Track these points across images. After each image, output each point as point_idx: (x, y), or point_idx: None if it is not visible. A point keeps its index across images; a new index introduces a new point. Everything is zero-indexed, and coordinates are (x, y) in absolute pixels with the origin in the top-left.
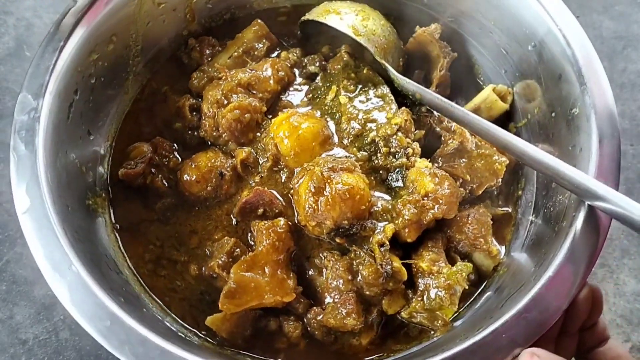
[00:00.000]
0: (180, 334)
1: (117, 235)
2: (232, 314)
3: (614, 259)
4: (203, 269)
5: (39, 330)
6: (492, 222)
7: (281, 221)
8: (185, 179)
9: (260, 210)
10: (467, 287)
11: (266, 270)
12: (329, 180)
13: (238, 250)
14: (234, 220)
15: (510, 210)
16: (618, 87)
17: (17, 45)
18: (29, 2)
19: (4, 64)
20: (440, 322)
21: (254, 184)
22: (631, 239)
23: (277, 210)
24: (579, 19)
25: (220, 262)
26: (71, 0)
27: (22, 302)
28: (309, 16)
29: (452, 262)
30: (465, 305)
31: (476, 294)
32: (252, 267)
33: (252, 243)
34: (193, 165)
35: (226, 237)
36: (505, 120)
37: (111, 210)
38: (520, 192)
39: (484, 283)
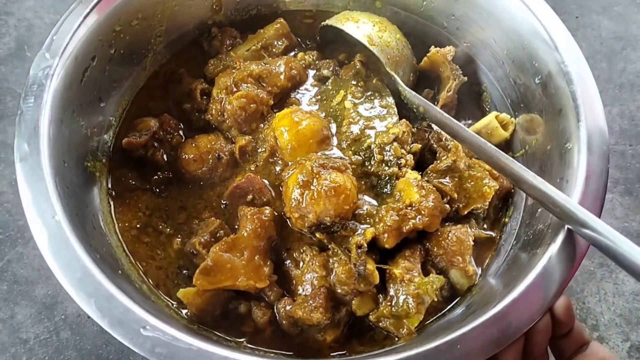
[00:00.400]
0: (151, 300)
1: (109, 199)
2: (205, 291)
3: None
4: (186, 244)
5: (40, 330)
6: (473, 244)
7: (267, 209)
8: (183, 156)
9: (250, 197)
10: (436, 300)
11: (245, 254)
12: (317, 176)
13: (222, 231)
14: (223, 203)
15: (494, 235)
16: (617, 87)
17: (18, 45)
18: (29, 3)
19: (5, 65)
20: (405, 330)
21: (248, 172)
22: (630, 239)
23: (265, 199)
24: (578, 20)
25: (202, 239)
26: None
27: (23, 302)
28: (328, 21)
29: (427, 274)
30: (434, 319)
31: (445, 309)
32: (231, 248)
33: (237, 227)
34: (193, 145)
35: (212, 218)
36: (504, 149)
37: (109, 176)
38: (506, 219)
39: (456, 300)
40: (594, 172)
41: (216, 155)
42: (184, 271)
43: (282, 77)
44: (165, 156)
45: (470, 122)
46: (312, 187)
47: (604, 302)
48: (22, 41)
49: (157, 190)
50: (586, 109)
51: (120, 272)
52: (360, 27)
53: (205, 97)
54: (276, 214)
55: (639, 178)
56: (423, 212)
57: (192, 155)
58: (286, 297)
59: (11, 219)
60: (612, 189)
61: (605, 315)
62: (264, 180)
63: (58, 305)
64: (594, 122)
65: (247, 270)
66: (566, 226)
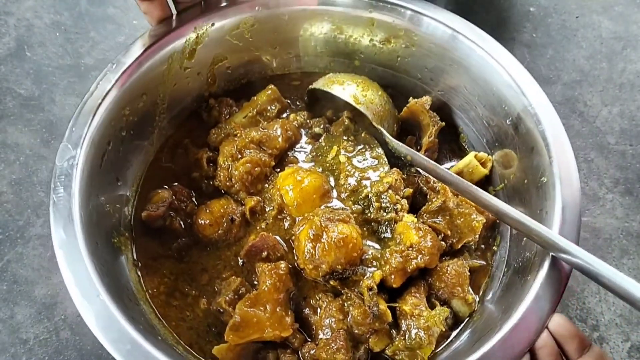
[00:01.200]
0: None
1: (137, 270)
2: (236, 345)
3: (613, 259)
4: (212, 304)
5: (40, 330)
6: (469, 274)
7: (282, 264)
8: (199, 222)
9: (265, 254)
10: (444, 329)
11: (267, 307)
12: (326, 229)
13: (243, 288)
14: (241, 261)
15: (486, 263)
16: (617, 87)
17: (18, 45)
18: (29, 3)
19: (5, 64)
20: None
21: (260, 230)
22: (630, 239)
23: (279, 254)
24: (578, 19)
25: (227, 298)
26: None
27: (22, 302)
28: (315, 85)
29: (432, 307)
30: (443, 346)
31: (452, 336)
32: (255, 304)
33: (256, 282)
34: (207, 211)
35: (233, 277)
36: (485, 184)
37: (133, 248)
38: (495, 248)
39: (460, 327)
40: (569, 203)
41: (229, 218)
42: (213, 329)
43: (280, 139)
44: (182, 223)
45: (453, 162)
46: (322, 240)
47: (604, 302)
48: (22, 41)
49: (179, 255)
50: (556, 147)
51: (159, 337)
52: (346, 88)
53: (211, 164)
54: (290, 266)
55: (639, 178)
56: (423, 252)
57: (208, 221)
58: (309, 342)
59: (11, 219)
60: (612, 189)
61: (605, 316)
62: (275, 236)
63: (58, 305)
64: (564, 158)
65: (272, 321)
66: (550, 253)
